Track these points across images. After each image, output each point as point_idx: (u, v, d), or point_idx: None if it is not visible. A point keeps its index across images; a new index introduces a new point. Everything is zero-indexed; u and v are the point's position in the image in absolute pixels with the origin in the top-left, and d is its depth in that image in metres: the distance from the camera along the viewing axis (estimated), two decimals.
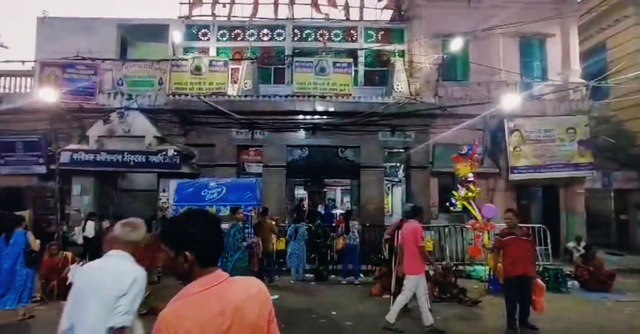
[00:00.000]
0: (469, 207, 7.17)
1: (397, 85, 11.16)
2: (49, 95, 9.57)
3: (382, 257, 8.47)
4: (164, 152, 9.54)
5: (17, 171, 10.34)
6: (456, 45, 10.78)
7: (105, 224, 9.09)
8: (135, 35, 12.66)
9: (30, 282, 5.72)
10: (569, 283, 7.70)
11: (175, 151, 9.62)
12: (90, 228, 8.69)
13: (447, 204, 8.35)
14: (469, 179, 7.19)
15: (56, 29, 11.68)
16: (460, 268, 8.71)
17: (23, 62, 10.24)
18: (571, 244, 10.20)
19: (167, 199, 9.69)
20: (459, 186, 7.51)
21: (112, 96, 10.45)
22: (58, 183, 9.83)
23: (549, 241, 9.38)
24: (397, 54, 11.67)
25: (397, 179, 12.34)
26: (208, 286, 1.28)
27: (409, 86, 11.22)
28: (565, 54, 11.99)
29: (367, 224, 9.50)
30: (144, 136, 9.92)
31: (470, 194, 7.03)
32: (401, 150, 11.24)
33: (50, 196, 10.26)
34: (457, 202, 7.08)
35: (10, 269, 5.55)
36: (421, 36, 11.71)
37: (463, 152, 7.58)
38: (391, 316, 5.09)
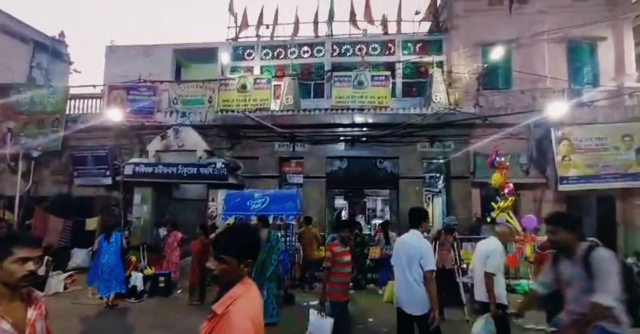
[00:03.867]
0: (508, 218, 7.05)
1: (436, 95, 11.19)
2: (115, 114, 10.81)
3: None
4: (212, 165, 10.29)
5: (88, 182, 11.62)
6: (497, 53, 10.68)
7: (162, 231, 9.94)
8: (188, 58, 13.87)
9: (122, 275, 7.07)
10: None
11: (222, 163, 10.34)
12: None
13: (488, 216, 8.23)
14: (505, 189, 7.09)
15: (121, 55, 13.17)
16: (505, 281, 8.46)
17: (94, 86, 11.66)
18: (630, 260, 9.49)
19: (216, 208, 10.42)
20: (498, 197, 7.42)
21: (168, 114, 11.51)
22: (122, 193, 10.97)
23: None
24: (435, 65, 11.73)
25: (437, 190, 12.23)
26: (252, 287, 1.69)
27: (448, 96, 11.20)
28: (619, 58, 11.37)
29: None
30: (195, 150, 10.77)
31: (505, 203, 6.93)
32: (441, 160, 11.19)
33: (115, 204, 11.43)
34: (494, 213, 6.98)
35: (114, 263, 6.85)
36: (460, 46, 11.71)
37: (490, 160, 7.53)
38: None
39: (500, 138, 10.20)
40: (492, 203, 7.73)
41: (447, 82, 11.52)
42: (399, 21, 12.79)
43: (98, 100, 12.52)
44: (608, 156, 10.21)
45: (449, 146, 10.88)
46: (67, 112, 12.17)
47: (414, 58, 12.32)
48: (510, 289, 8.18)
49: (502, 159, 7.45)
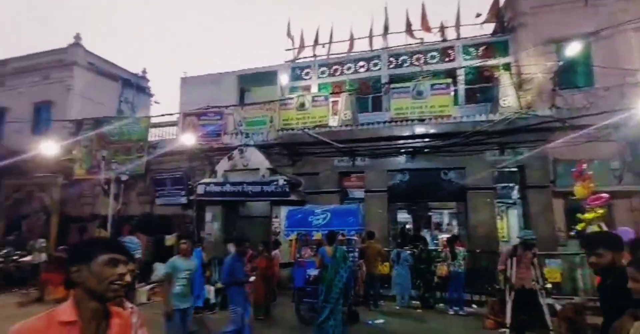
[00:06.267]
0: (599, 230, 6.18)
1: (504, 100, 10.46)
2: (188, 139, 11.80)
3: (497, 287, 7.78)
4: (275, 182, 10.63)
5: (167, 202, 12.71)
6: (574, 49, 9.64)
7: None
8: (251, 82, 14.74)
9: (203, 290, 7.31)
10: None
11: (284, 180, 10.63)
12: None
13: (573, 229, 7.32)
14: (596, 201, 6.23)
15: (193, 84, 14.44)
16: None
17: (171, 114, 12.87)
18: None
19: (279, 224, 10.67)
20: (585, 207, 6.56)
21: (234, 136, 12.24)
22: (195, 211, 11.77)
23: None
24: (501, 67, 10.99)
25: (511, 201, 11.24)
26: None
27: (519, 99, 10.38)
28: None
29: (478, 251, 8.87)
30: (259, 169, 11.25)
31: (592, 215, 6.07)
32: (514, 169, 10.31)
33: (189, 222, 12.31)
34: (578, 226, 6.15)
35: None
36: (529, 45, 10.84)
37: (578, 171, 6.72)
38: None
39: (584, 142, 9.15)
40: (578, 214, 6.85)
41: (517, 84, 10.70)
42: (457, 26, 12.31)
43: (174, 127, 13.78)
44: None
45: (522, 153, 9.99)
46: (148, 139, 13.56)
47: (476, 63, 11.68)
48: None
49: (584, 166, 6.61)
